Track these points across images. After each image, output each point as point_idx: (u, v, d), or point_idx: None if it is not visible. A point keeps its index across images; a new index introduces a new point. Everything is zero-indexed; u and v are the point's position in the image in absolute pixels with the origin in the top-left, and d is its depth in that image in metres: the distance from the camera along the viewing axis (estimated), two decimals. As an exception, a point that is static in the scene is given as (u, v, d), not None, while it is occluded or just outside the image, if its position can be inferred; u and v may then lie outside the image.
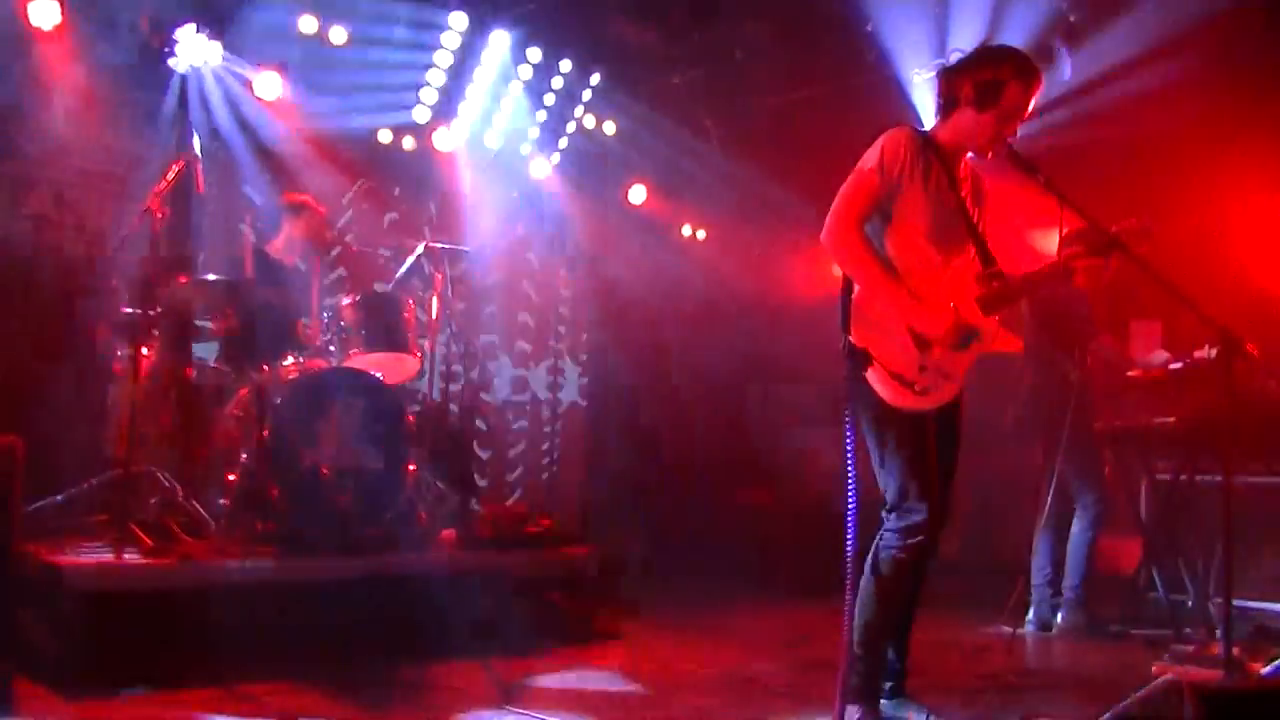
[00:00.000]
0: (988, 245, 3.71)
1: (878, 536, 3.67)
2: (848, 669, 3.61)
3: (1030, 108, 3.61)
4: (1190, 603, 5.89)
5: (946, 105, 3.69)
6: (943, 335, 3.55)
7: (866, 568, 3.67)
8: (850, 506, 3.43)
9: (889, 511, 3.64)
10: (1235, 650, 4.10)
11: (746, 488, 8.45)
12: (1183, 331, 6.09)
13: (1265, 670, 4.52)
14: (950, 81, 3.68)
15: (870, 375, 3.56)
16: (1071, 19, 7.05)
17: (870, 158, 3.60)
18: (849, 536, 3.43)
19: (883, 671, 3.76)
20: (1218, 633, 5.19)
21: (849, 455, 3.47)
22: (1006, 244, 3.88)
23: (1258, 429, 5.31)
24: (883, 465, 3.64)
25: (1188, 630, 5.63)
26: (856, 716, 3.58)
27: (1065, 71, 7.14)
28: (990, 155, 3.67)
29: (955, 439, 3.78)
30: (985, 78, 3.58)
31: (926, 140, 3.66)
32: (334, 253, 6.25)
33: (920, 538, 3.57)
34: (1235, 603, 4.89)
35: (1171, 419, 5.65)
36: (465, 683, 4.31)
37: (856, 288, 3.60)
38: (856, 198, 3.58)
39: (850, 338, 3.59)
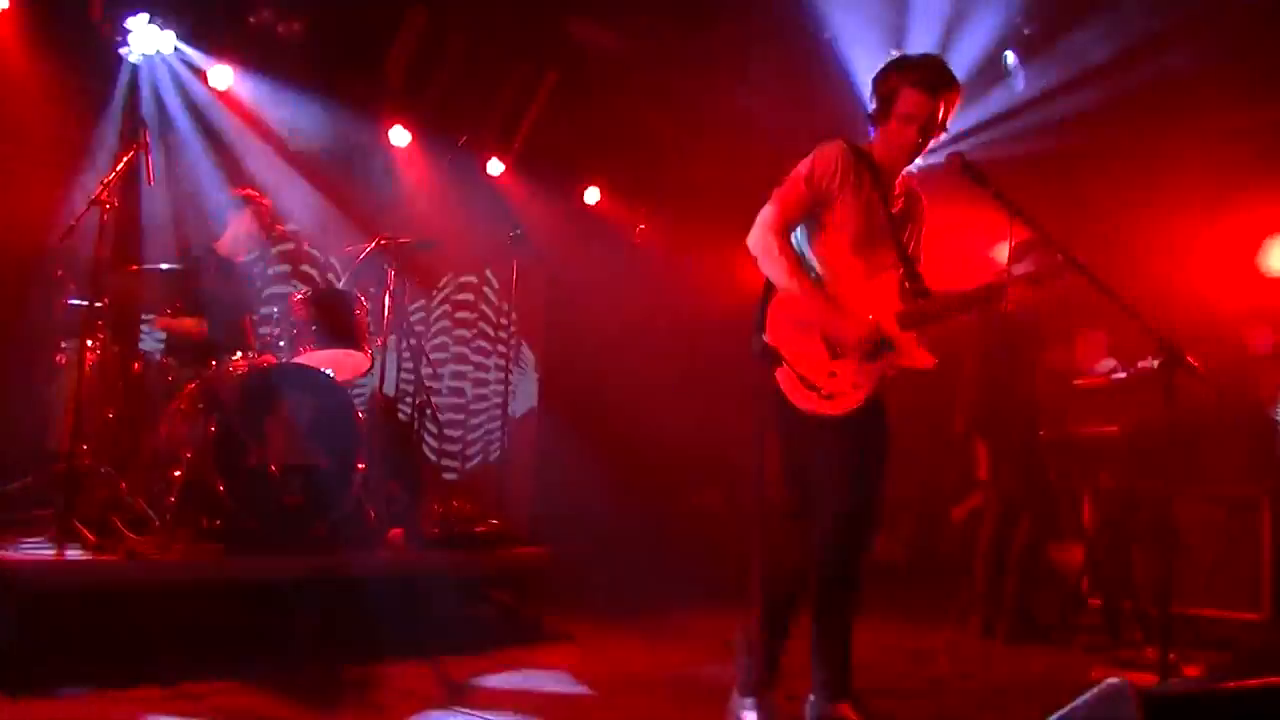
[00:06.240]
0: (916, 263, 3.77)
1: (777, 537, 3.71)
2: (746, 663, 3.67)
3: (940, 114, 3.62)
4: (1129, 609, 6.00)
5: (871, 121, 3.79)
6: (855, 343, 3.60)
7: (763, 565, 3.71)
8: (757, 508, 3.46)
9: (788, 514, 3.70)
10: (1172, 656, 4.18)
11: (697, 490, 8.47)
12: (1127, 342, 6.20)
13: (1199, 675, 4.63)
14: (871, 98, 3.78)
15: (779, 376, 3.62)
16: (1025, 32, 7.16)
17: (802, 167, 3.67)
18: (753, 538, 3.47)
19: (769, 665, 3.76)
20: (1155, 639, 5.30)
21: (759, 456, 3.50)
22: (954, 258, 3.93)
23: (1198, 439, 5.42)
24: (786, 467, 3.69)
25: (1126, 636, 5.75)
26: (749, 705, 3.61)
27: (1018, 83, 7.25)
28: (908, 163, 3.73)
29: (881, 446, 3.77)
30: (882, 91, 3.70)
31: (861, 154, 3.73)
32: (281, 247, 6.17)
33: (815, 542, 3.62)
34: (1173, 610, 4.99)
35: (1114, 428, 5.76)
36: (413, 683, 4.29)
37: (776, 290, 3.65)
38: (783, 204, 3.65)
39: (764, 337, 3.64)
